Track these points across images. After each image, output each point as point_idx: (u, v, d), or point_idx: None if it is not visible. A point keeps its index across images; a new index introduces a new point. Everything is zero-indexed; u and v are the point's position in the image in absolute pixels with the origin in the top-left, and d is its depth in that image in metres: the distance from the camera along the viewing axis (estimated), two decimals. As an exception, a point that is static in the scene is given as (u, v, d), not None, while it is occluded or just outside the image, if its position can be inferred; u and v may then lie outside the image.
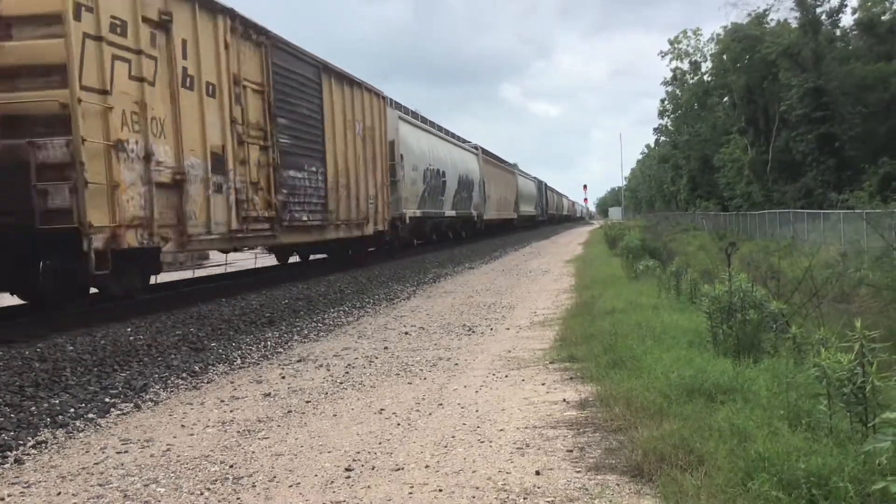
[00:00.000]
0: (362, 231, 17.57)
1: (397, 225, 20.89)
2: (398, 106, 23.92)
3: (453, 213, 28.93)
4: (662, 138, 79.77)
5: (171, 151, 9.93)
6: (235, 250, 14.05)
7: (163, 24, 9.77)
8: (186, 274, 16.63)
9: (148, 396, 6.40)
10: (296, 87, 13.99)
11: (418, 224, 23.92)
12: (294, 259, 19.26)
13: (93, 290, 9.95)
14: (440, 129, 30.51)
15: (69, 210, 8.14)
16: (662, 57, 66.40)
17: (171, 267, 16.27)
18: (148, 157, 9.35)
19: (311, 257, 19.46)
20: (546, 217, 67.80)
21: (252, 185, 12.08)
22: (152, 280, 11.31)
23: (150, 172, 9.40)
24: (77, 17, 8.27)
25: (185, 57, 10.27)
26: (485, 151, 37.77)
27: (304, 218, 14.20)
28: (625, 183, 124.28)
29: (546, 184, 71.74)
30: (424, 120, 27.98)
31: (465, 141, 34.93)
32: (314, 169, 14.71)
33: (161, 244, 9.66)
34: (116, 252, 8.67)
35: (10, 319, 9.21)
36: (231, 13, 11.54)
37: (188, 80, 10.40)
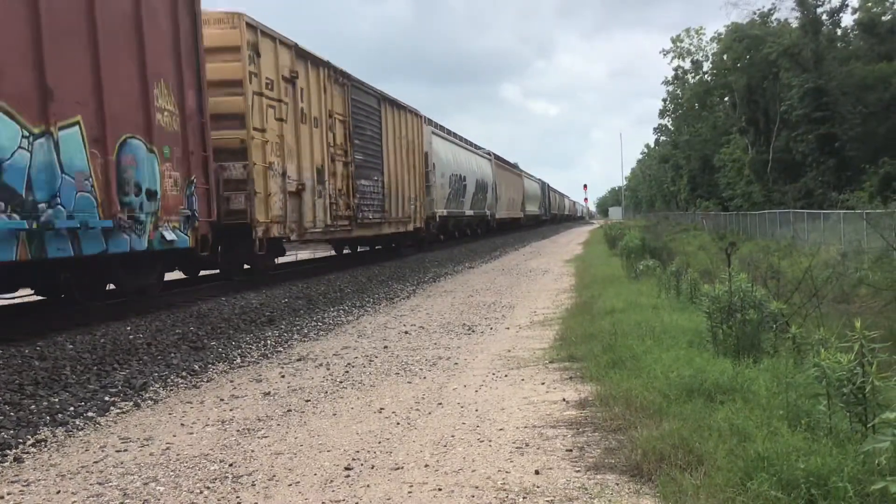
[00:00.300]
0: (406, 227, 21.83)
1: (430, 223, 24.96)
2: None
3: (472, 212, 32.79)
4: (663, 138, 79.79)
5: (295, 169, 13.85)
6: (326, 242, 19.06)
7: (291, 79, 13.89)
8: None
9: (147, 395, 6.40)
10: (365, 116, 18.12)
11: (444, 222, 27.74)
12: (346, 251, 22.65)
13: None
14: (460, 138, 34.12)
15: (244, 211, 12.07)
16: (664, 55, 66.35)
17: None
18: (284, 173, 13.30)
19: (359, 249, 23.03)
20: (549, 216, 71.12)
21: (338, 192, 16.07)
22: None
23: (285, 185, 13.34)
24: (250, 82, 12.24)
25: (302, 100, 14.30)
26: (497, 157, 41.71)
27: (370, 216, 18.33)
28: (625, 183, 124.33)
29: (549, 185, 75.24)
30: (449, 131, 31.57)
31: (479, 147, 38.49)
32: (376, 178, 18.78)
33: (289, 235, 13.68)
34: (267, 240, 12.65)
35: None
36: (328, 65, 15.68)
37: (304, 116, 14.36)
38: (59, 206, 7.74)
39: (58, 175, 7.73)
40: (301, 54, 14.41)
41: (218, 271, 13.73)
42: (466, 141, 35.48)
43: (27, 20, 7.39)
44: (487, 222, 36.99)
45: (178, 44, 10.17)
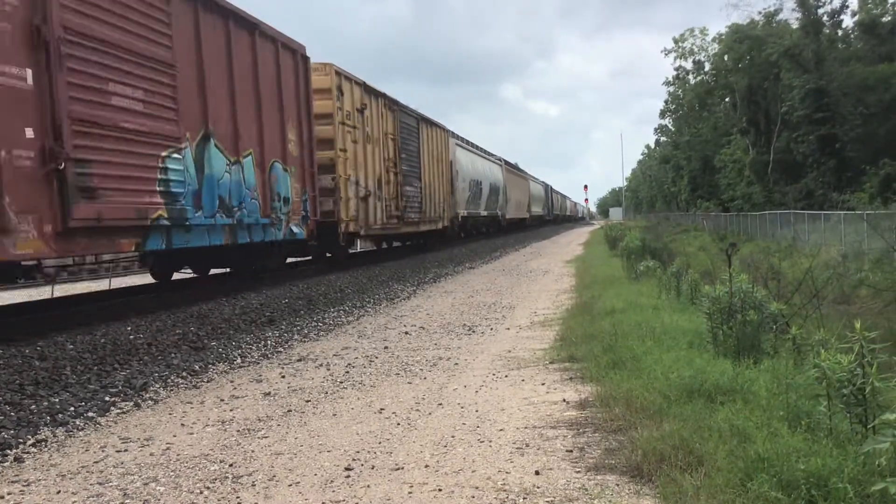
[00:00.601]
0: (437, 226, 26.19)
1: (454, 222, 29.28)
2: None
3: (486, 213, 36.94)
4: (663, 139, 79.76)
5: (363, 179, 17.77)
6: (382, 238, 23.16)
7: (361, 110, 17.78)
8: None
9: (148, 395, 6.40)
10: (408, 133, 22.36)
11: (465, 222, 32.00)
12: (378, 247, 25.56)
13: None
14: (476, 146, 38.84)
15: (332, 211, 15.89)
16: (666, 55, 66.38)
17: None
18: (357, 182, 17.25)
19: (394, 244, 26.12)
20: (552, 217, 75.37)
21: (390, 197, 20.11)
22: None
23: (357, 191, 17.29)
24: (336, 114, 16.12)
25: (367, 125, 18.24)
26: (506, 163, 46.51)
27: (413, 216, 22.54)
28: (625, 183, 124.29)
29: (551, 187, 79.41)
30: (467, 141, 36.16)
31: (491, 154, 42.72)
32: (416, 185, 23.02)
33: (360, 230, 17.57)
34: (346, 234, 16.73)
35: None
36: (384, 96, 19.84)
37: (368, 137, 18.30)
38: (244, 209, 11.65)
39: (242, 189, 11.64)
40: (367, 90, 18.43)
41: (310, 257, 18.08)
42: (480, 148, 39.88)
43: (228, 93, 11.28)
44: (498, 222, 41.09)
45: (299, 93, 14.10)
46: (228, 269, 14.29)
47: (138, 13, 9.03)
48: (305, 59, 14.42)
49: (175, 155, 9.68)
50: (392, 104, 20.60)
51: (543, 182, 70.91)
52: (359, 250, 25.32)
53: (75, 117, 7.84)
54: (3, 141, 6.96)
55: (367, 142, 18.07)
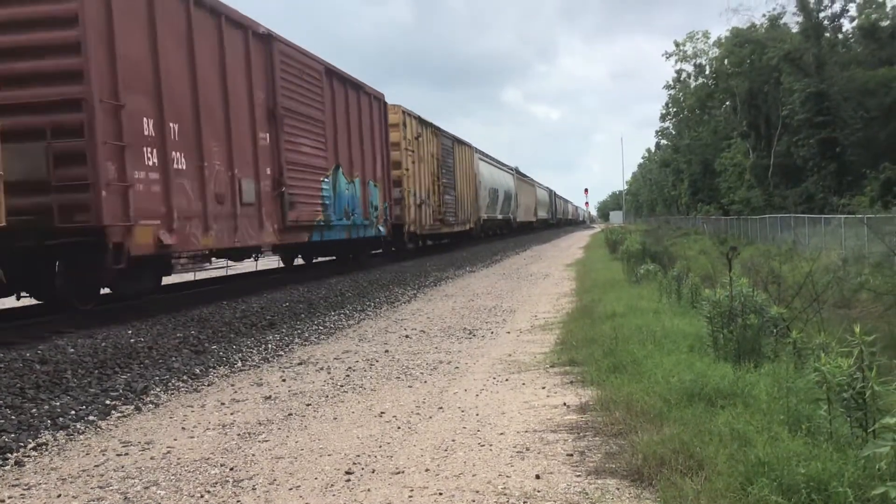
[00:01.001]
0: (465, 227, 32.07)
1: (477, 225, 34.86)
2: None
3: (501, 217, 42.52)
4: (664, 142, 79.78)
5: (418, 191, 23.46)
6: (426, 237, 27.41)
7: (417, 137, 23.51)
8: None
9: (148, 399, 6.40)
10: (446, 152, 28.32)
11: (485, 224, 37.63)
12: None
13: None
14: (493, 158, 43.18)
15: (402, 216, 21.54)
16: (667, 58, 66.36)
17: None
18: (414, 194, 22.83)
19: (428, 242, 29.87)
20: (555, 220, 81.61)
21: (435, 204, 25.94)
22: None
23: (415, 200, 22.91)
24: (403, 143, 21.81)
25: (421, 148, 23.96)
26: (517, 171, 51.90)
27: (450, 220, 28.45)
28: (626, 187, 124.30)
29: (555, 192, 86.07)
30: (485, 154, 40.09)
31: (504, 164, 47.41)
32: (452, 194, 28.96)
33: (417, 231, 23.14)
34: (408, 233, 22.29)
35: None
36: (431, 124, 25.69)
37: (421, 158, 24.07)
38: (356, 215, 17.21)
39: (355, 200, 17.26)
40: (420, 121, 24.30)
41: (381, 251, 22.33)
42: (494, 159, 44.04)
43: (347, 136, 16.84)
44: (511, 224, 47.24)
45: (382, 129, 19.67)
46: (331, 258, 19.69)
47: (311, 92, 14.75)
48: (385, 103, 20.24)
49: (325, 180, 15.36)
50: (436, 130, 26.70)
51: (547, 188, 76.48)
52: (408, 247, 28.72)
53: (287, 160, 13.41)
54: (261, 176, 12.43)
55: (420, 161, 23.90)
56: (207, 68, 10.90)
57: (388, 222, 19.95)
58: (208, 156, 10.81)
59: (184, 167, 10.18)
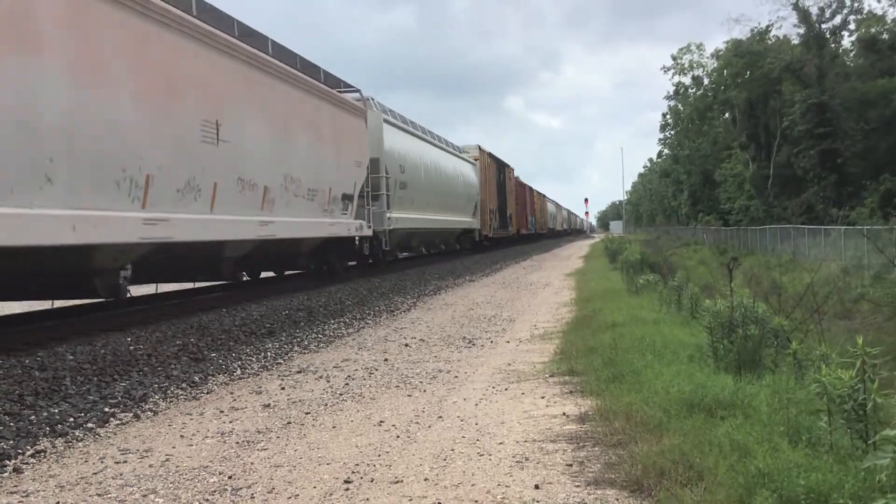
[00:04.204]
0: (509, 233, 41.85)
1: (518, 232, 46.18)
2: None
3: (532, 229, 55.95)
4: (666, 151, 79.87)
5: (489, 206, 35.12)
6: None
7: (486, 167, 35.04)
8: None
9: (147, 406, 6.39)
10: (499, 174, 38.68)
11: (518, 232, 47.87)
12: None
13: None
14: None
15: (483, 225, 35.06)
16: (665, 72, 66.47)
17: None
18: (489, 209, 35.25)
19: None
20: (561, 229, 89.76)
21: (495, 216, 36.65)
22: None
23: (491, 213, 35.91)
24: (481, 174, 34.33)
25: (488, 176, 35.48)
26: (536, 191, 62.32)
27: (503, 228, 38.42)
28: (626, 197, 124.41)
29: (560, 205, 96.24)
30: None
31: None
32: (503, 207, 39.08)
33: (488, 234, 35.31)
34: (484, 236, 35.42)
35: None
36: (494, 156, 38.01)
37: (489, 182, 35.77)
38: (495, 224, 37.17)
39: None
40: (490, 156, 36.19)
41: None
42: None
43: (492, 190, 36.78)
44: (539, 233, 59.55)
45: (503, 178, 39.57)
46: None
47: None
48: (485, 153, 35.37)
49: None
50: (497, 160, 38.78)
51: (554, 201, 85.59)
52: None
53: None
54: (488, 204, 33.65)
55: (489, 185, 35.19)
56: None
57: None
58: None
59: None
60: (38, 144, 7.21)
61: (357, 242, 17.26)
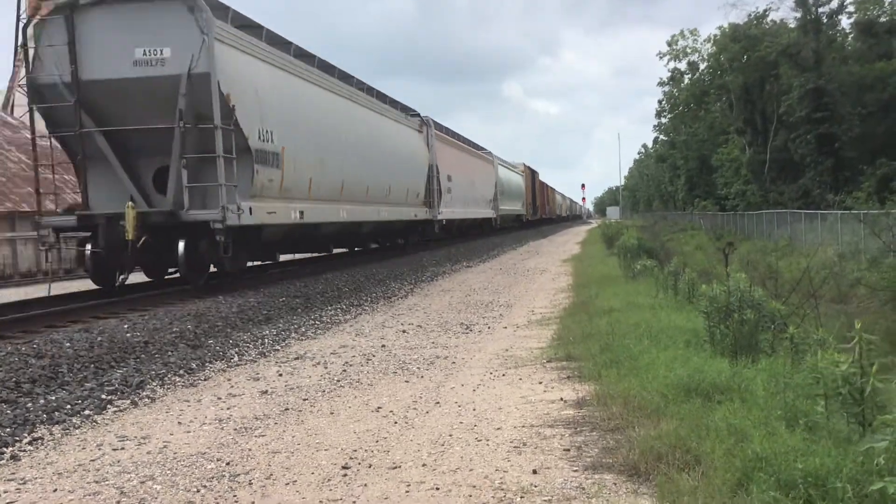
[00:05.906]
0: (538, 217, 62.35)
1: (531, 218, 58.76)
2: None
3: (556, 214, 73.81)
4: (662, 137, 79.70)
5: (528, 200, 55.26)
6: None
7: (523, 175, 53.39)
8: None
9: (145, 393, 6.38)
10: (519, 177, 52.23)
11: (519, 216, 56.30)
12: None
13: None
14: (511, 164, 54.29)
15: (522, 210, 54.08)
16: (661, 58, 66.16)
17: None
18: (528, 202, 55.88)
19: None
20: (564, 215, 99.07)
21: (527, 207, 54.89)
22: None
23: (530, 205, 57.25)
24: (525, 182, 54.80)
25: (526, 180, 54.80)
26: (530, 170, 67.57)
27: (528, 215, 55.92)
28: (623, 182, 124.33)
29: (564, 194, 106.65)
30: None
31: (516, 165, 58.28)
32: (529, 201, 55.57)
33: (530, 218, 57.17)
34: (526, 219, 56.11)
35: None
36: (526, 165, 56.21)
37: (529, 185, 55.97)
38: (534, 214, 58.49)
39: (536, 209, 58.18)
40: (529, 168, 56.46)
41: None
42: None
43: (531, 191, 56.90)
44: (554, 218, 75.22)
45: (535, 183, 59.65)
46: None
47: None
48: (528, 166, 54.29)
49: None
50: (531, 170, 56.34)
51: (560, 192, 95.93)
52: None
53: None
54: (528, 199, 53.85)
55: (529, 188, 52.69)
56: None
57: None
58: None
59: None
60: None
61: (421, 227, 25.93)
